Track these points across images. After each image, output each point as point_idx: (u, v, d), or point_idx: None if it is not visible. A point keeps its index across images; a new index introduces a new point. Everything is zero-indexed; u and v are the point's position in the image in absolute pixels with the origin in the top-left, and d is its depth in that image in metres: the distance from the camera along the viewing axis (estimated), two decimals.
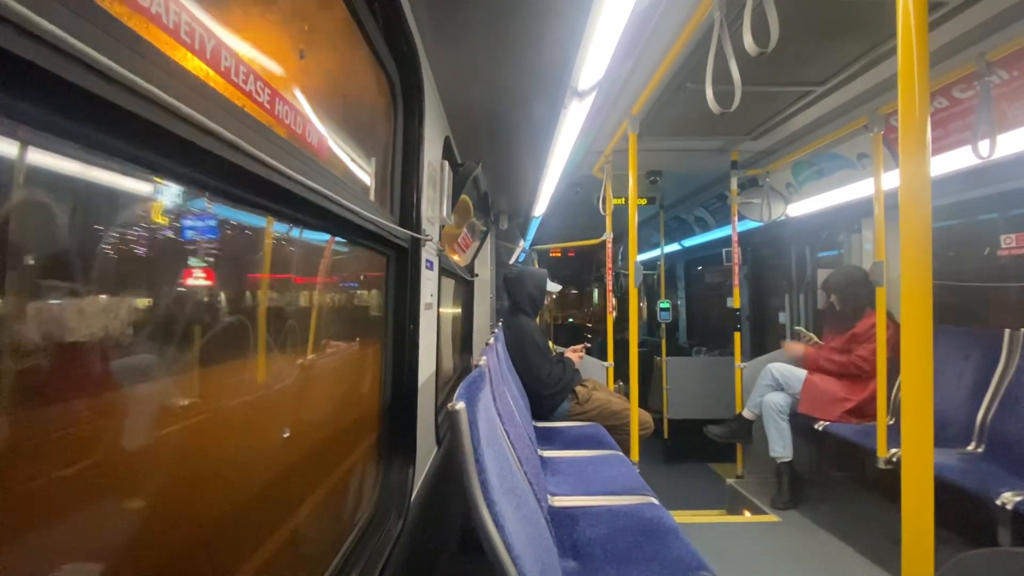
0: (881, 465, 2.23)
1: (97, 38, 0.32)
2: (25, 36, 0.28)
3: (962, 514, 1.82)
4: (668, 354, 4.70)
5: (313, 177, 0.70)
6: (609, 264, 3.60)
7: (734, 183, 3.37)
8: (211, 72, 0.55)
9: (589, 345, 3.50)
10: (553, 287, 3.36)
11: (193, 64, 0.51)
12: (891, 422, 2.35)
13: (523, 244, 5.81)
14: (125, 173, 0.46)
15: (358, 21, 0.98)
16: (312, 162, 0.75)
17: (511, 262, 5.83)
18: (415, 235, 1.25)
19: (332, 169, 0.87)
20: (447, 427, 1.75)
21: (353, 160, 1.09)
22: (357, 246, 1.06)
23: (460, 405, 0.85)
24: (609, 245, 3.56)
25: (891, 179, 2.38)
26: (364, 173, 1.17)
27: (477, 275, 3.39)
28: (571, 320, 8.97)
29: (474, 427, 0.88)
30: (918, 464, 0.88)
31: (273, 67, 0.73)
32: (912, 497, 0.89)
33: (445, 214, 1.60)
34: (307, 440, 0.88)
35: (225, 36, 0.59)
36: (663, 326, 4.75)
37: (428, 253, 1.42)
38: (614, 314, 3.41)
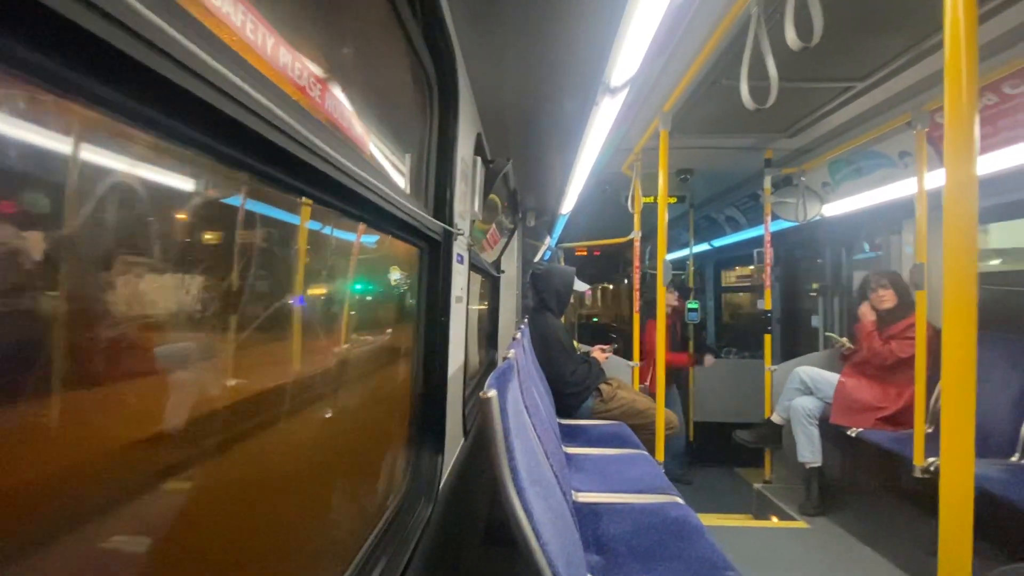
0: (917, 474, 2.16)
1: (181, 38, 0.35)
2: (133, 36, 0.31)
3: (1003, 527, 1.75)
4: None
5: (357, 167, 0.72)
6: (637, 263, 3.57)
7: (768, 182, 3.30)
8: (269, 65, 0.58)
9: (616, 345, 3.48)
10: (581, 286, 3.35)
11: (253, 56, 0.54)
12: (929, 430, 2.27)
13: (549, 241, 5.80)
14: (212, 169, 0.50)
15: (399, 18, 1.01)
16: (355, 154, 0.77)
17: (536, 260, 5.83)
18: (448, 228, 1.27)
19: (371, 161, 0.90)
20: (474, 418, 1.77)
21: (390, 154, 1.12)
22: (393, 237, 1.09)
23: (492, 393, 0.86)
24: (637, 244, 3.53)
25: (935, 178, 2.29)
26: (400, 167, 1.20)
27: (504, 271, 3.41)
28: (595, 319, 8.90)
29: (505, 415, 0.89)
30: (958, 473, 0.85)
31: (319, 60, 0.76)
32: (951, 507, 0.87)
33: (476, 209, 1.62)
34: (348, 422, 0.92)
35: (277, 30, 0.62)
36: (691, 327, 4.69)
37: (459, 247, 1.44)
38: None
